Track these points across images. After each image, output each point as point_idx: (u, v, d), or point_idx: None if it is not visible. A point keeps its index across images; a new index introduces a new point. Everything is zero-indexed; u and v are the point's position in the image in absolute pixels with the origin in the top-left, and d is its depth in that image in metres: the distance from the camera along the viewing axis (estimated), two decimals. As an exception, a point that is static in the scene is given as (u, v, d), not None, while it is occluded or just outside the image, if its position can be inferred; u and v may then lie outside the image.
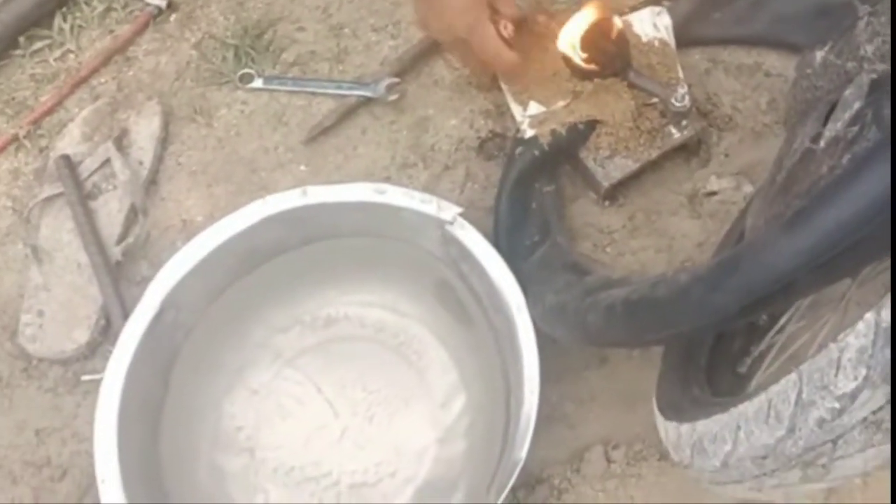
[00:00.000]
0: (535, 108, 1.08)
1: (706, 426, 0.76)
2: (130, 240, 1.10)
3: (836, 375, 0.65)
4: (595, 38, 1.05)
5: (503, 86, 1.11)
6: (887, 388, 0.65)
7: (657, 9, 1.12)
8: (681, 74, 1.08)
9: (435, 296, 1.01)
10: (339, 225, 1.01)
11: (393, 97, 1.17)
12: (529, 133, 1.06)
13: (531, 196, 1.06)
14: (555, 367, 0.95)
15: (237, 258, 1.00)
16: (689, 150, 1.10)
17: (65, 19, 1.30)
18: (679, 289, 0.75)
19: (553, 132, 1.05)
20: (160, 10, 1.29)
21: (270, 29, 1.26)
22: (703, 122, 1.10)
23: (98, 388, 0.95)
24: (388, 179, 1.12)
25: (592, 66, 1.06)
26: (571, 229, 1.07)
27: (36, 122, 1.22)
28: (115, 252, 1.09)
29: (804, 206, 0.69)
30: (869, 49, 0.78)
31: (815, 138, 0.80)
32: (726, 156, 1.11)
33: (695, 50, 1.15)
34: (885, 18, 0.78)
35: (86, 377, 1.04)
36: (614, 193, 1.08)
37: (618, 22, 1.06)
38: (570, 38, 1.07)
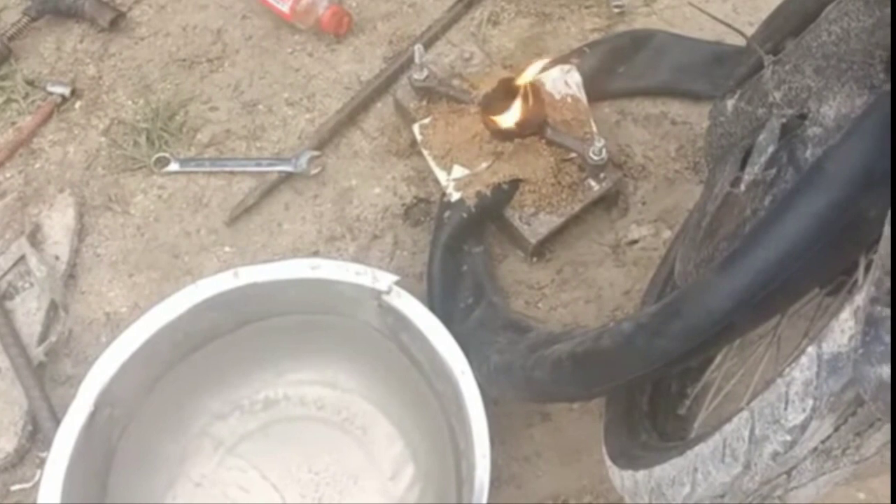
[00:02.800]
0: (458, 171, 1.10)
1: (663, 471, 0.78)
2: (53, 338, 1.06)
3: (785, 409, 0.68)
4: (511, 100, 1.08)
5: (424, 151, 1.13)
6: (834, 417, 0.67)
7: (566, 67, 1.17)
8: (594, 129, 1.12)
9: (375, 368, 1.01)
10: (273, 304, 0.99)
11: (314, 171, 1.17)
12: (455, 196, 1.08)
13: (461, 259, 1.07)
14: (498, 429, 0.95)
15: (170, 347, 0.97)
16: (608, 202, 1.13)
17: (-38, 115, 1.27)
18: (624, 338, 0.77)
19: (478, 194, 1.07)
20: (64, 99, 1.27)
21: (182, 110, 1.26)
22: (619, 172, 1.14)
23: (29, 496, 0.91)
24: (315, 254, 1.12)
25: (511, 127, 1.08)
26: (503, 288, 1.09)
27: (-61, 224, 1.17)
28: (38, 353, 1.05)
29: (736, 248, 0.72)
30: (777, 95, 0.83)
31: (735, 182, 0.84)
32: (643, 204, 1.15)
33: (604, 103, 1.20)
34: (790, 66, 0.83)
35: (15, 487, 0.99)
36: (541, 249, 1.11)
37: (531, 82, 1.10)
38: (489, 101, 1.10)
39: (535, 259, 1.12)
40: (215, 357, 1.00)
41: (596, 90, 1.17)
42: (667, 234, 1.10)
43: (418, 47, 1.14)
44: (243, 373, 1.02)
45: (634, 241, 1.10)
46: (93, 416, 0.91)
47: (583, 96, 1.15)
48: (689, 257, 0.88)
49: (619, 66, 1.21)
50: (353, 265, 0.97)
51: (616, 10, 1.27)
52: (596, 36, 1.26)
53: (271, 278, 0.97)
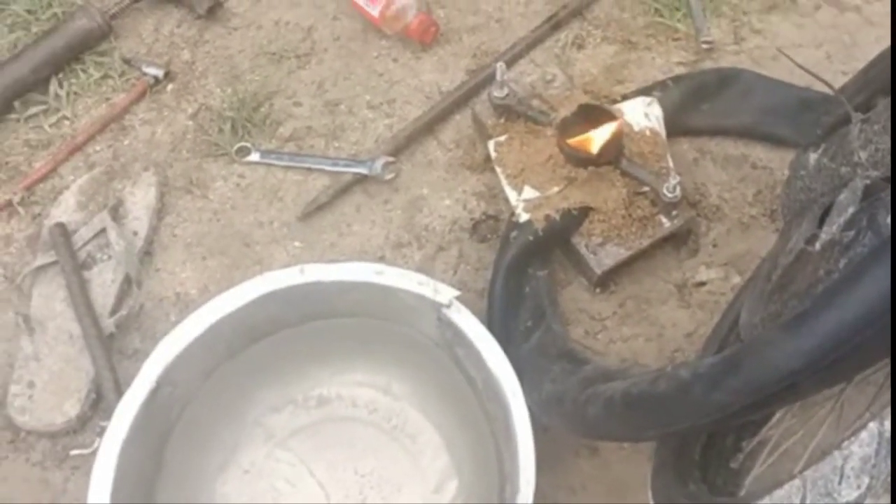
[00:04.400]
0: (529, 192, 1.08)
1: (707, 525, 0.76)
2: (124, 312, 1.08)
3: (839, 483, 0.65)
4: (591, 127, 1.06)
5: (497, 169, 1.12)
6: (888, 498, 0.64)
7: (648, 99, 1.14)
8: (671, 164, 1.09)
9: (429, 379, 1.00)
10: (335, 304, 0.99)
11: (388, 176, 1.17)
12: (524, 217, 1.06)
13: (524, 281, 1.05)
14: (545, 455, 0.93)
15: (233, 335, 0.98)
16: (678, 240, 1.10)
17: (61, 85, 1.29)
18: (680, 385, 0.74)
19: (547, 217, 1.06)
20: (157, 80, 1.28)
21: (267, 102, 1.26)
22: (692, 211, 1.10)
23: (86, 463, 0.92)
24: (381, 259, 1.11)
25: (587, 154, 1.06)
26: (564, 314, 1.07)
27: (29, 188, 1.19)
28: (109, 324, 1.06)
29: (805, 308, 0.69)
30: (863, 155, 0.80)
31: (811, 240, 0.81)
32: (714, 246, 1.11)
33: (684, 140, 1.17)
34: (879, 126, 0.80)
35: (75, 451, 1.01)
36: (606, 280, 1.08)
37: (614, 113, 1.07)
38: (566, 125, 1.08)
39: (598, 289, 1.09)
40: (274, 350, 1.00)
41: (676, 125, 1.15)
42: (736, 279, 1.06)
43: (500, 65, 1.13)
44: (300, 368, 1.01)
45: (702, 284, 1.07)
46: (154, 393, 0.92)
47: (662, 130, 1.12)
48: (755, 309, 0.85)
49: (703, 104, 1.17)
50: (416, 275, 0.96)
51: (704, 46, 1.24)
52: (681, 70, 1.23)
53: (335, 279, 0.96)
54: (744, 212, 1.11)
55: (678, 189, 1.04)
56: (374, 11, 1.28)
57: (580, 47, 1.27)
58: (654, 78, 1.21)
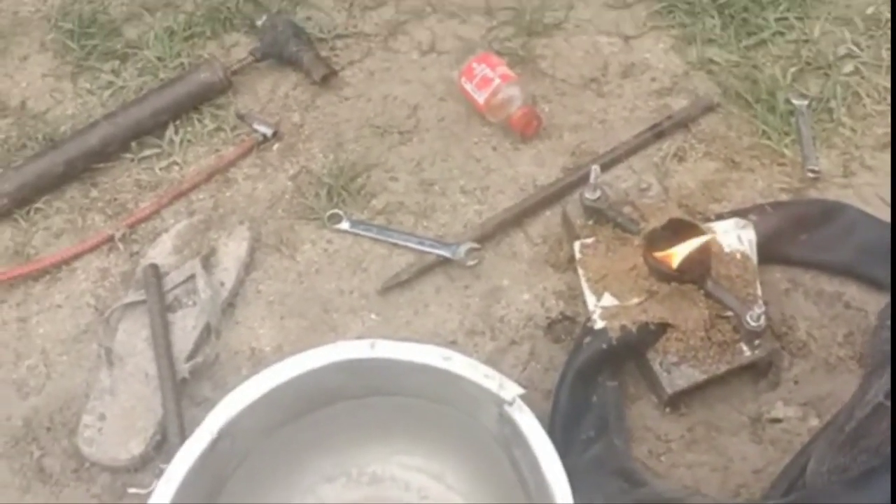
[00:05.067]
0: (608, 299, 1.09)
1: None
2: (199, 359, 1.13)
3: None
4: (680, 243, 1.07)
5: (580, 270, 1.13)
6: None
7: (742, 221, 1.14)
8: (759, 292, 1.09)
9: (483, 473, 1.01)
10: (400, 383, 1.01)
11: (471, 262, 1.20)
12: (600, 324, 1.07)
13: (592, 389, 1.06)
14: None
15: (298, 398, 1.01)
16: (758, 371, 1.09)
17: (176, 132, 1.37)
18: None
19: (623, 328, 1.06)
20: (265, 138, 1.36)
21: (365, 173, 1.31)
22: (777, 343, 1.09)
23: (142, 502, 0.96)
24: (453, 343, 1.14)
25: (672, 269, 1.07)
26: (628, 430, 1.06)
27: (132, 227, 1.27)
28: (183, 368, 1.11)
29: (872, 466, 0.69)
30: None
31: (889, 395, 0.80)
32: (796, 383, 1.09)
33: (776, 268, 1.16)
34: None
35: (132, 490, 1.05)
36: (677, 401, 1.08)
37: (705, 231, 1.08)
38: (654, 236, 1.09)
39: (668, 409, 1.08)
40: (335, 419, 1.02)
41: (770, 252, 1.14)
42: (814, 421, 1.04)
43: (595, 167, 1.16)
44: (357, 442, 1.04)
45: (777, 420, 1.05)
46: (214, 444, 0.95)
47: (754, 255, 1.12)
48: (824, 458, 0.84)
49: (802, 234, 1.16)
50: (484, 367, 0.97)
51: (810, 175, 1.24)
52: (783, 196, 1.23)
53: (404, 358, 0.98)
54: (831, 352, 1.09)
55: (763, 319, 1.04)
56: (480, 98, 1.33)
57: (681, 159, 1.29)
58: (753, 200, 1.22)
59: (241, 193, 1.31)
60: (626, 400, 1.09)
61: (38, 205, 1.30)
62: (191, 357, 1.13)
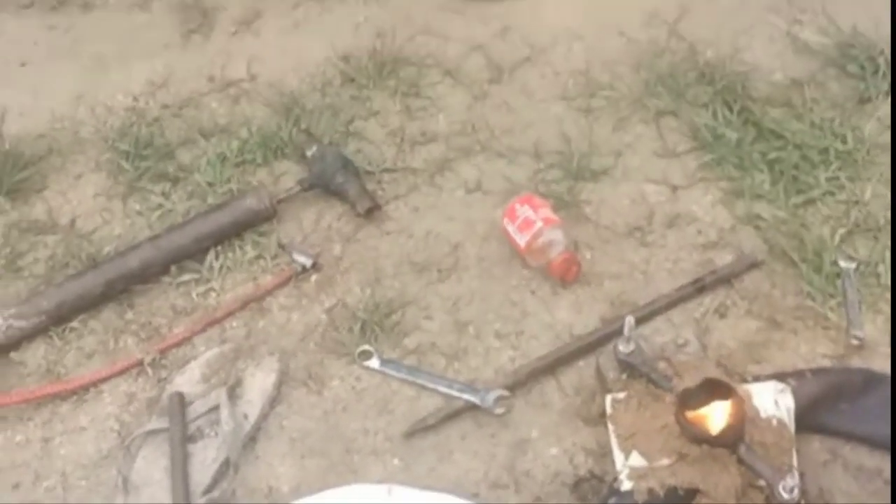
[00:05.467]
0: (637, 459, 1.09)
1: None
2: (216, 493, 1.14)
3: None
4: (714, 404, 1.07)
5: (610, 426, 1.13)
6: None
7: (781, 385, 1.14)
8: (795, 461, 1.08)
9: None
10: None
11: (499, 410, 1.20)
12: (626, 485, 1.07)
13: (616, 553, 1.04)
14: None
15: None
16: (790, 545, 1.06)
17: (217, 257, 1.43)
18: None
19: (651, 491, 1.06)
20: (304, 269, 1.40)
21: (400, 310, 1.35)
22: (811, 519, 1.07)
23: None
24: (476, 496, 1.13)
25: (704, 432, 1.07)
26: None
27: (163, 352, 1.31)
28: (199, 502, 1.12)
29: None
30: None
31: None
32: (827, 558, 1.07)
33: (815, 437, 1.15)
34: None
35: None
36: (703, 572, 1.06)
37: (741, 394, 1.08)
38: (688, 397, 1.09)
39: (693, 578, 1.06)
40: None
41: (809, 420, 1.13)
42: None
43: (629, 319, 1.17)
44: None
45: None
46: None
47: (791, 423, 1.11)
48: None
49: (842, 403, 1.15)
50: (504, 529, 0.97)
51: (854, 342, 1.23)
52: (825, 362, 1.22)
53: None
54: (870, 528, 1.07)
55: (796, 491, 1.02)
56: (522, 241, 1.36)
57: (722, 316, 1.30)
58: (794, 365, 1.21)
59: (275, 324, 1.35)
60: (651, 569, 1.06)
61: (74, 324, 1.36)
62: (207, 491, 1.15)
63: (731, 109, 1.56)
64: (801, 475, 1.05)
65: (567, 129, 1.58)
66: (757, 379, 1.17)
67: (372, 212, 1.47)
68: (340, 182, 1.49)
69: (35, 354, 1.33)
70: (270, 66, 1.74)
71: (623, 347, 1.16)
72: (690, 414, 1.08)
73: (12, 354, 1.33)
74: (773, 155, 1.48)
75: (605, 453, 1.16)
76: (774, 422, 1.11)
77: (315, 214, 1.50)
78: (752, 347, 1.25)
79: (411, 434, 1.20)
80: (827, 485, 1.11)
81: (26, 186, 1.56)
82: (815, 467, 1.12)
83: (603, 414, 1.17)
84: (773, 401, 1.13)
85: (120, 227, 1.50)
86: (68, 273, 1.41)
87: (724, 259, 1.37)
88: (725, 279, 1.33)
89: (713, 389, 1.10)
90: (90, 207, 1.54)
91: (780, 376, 1.17)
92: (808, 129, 1.51)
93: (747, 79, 1.62)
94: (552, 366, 1.25)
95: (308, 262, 1.41)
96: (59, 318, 1.35)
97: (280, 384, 1.26)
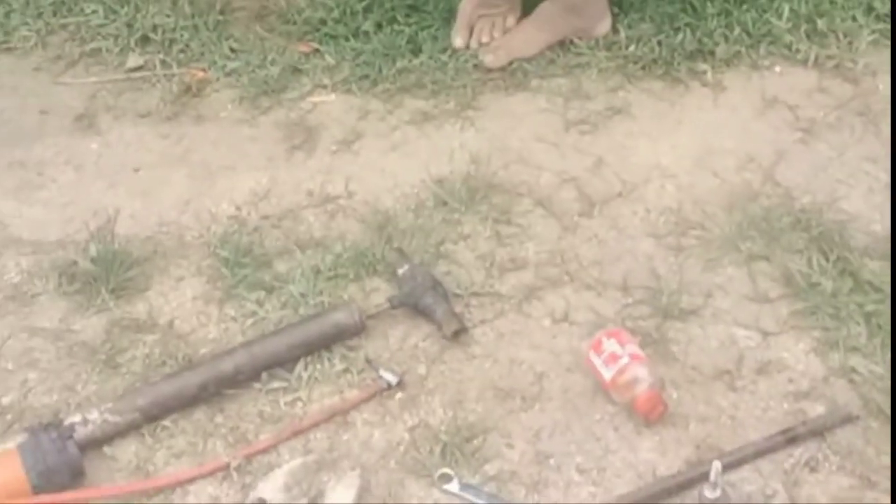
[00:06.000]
0: None
1: None
2: None
3: None
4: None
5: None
6: None
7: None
8: None
9: None
10: None
11: (578, 550, 1.22)
12: None
13: None
14: None
15: None
16: None
17: (306, 368, 1.50)
18: None
19: None
20: (389, 386, 1.46)
21: (482, 436, 1.39)
22: None
23: None
24: None
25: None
26: None
27: (249, 458, 1.37)
28: None
29: None
30: None
31: None
32: None
33: None
34: None
35: None
36: None
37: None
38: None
39: None
40: None
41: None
42: None
43: (716, 464, 1.19)
44: None
45: None
46: None
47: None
48: None
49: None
50: None
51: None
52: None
53: None
54: None
55: None
56: (607, 375, 1.40)
57: (812, 470, 1.30)
58: (886, 533, 1.21)
59: (358, 439, 1.40)
60: None
61: (166, 422, 1.43)
62: None
63: (826, 258, 1.59)
64: None
65: (656, 266, 1.63)
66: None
67: (458, 334, 1.53)
68: (429, 303, 1.55)
69: (126, 451, 1.40)
70: (367, 185, 1.84)
71: (709, 493, 1.18)
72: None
73: (105, 449, 1.40)
74: (870, 307, 1.51)
75: None
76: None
77: (402, 333, 1.56)
78: (843, 506, 1.25)
79: (487, 565, 1.23)
80: None
81: (131, 286, 1.66)
82: None
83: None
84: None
85: (215, 331, 1.59)
86: (164, 372, 1.49)
87: (816, 410, 1.38)
88: (818, 431, 1.34)
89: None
90: (188, 310, 1.63)
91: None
92: (909, 285, 1.53)
93: (845, 228, 1.65)
94: (632, 508, 1.27)
95: (394, 380, 1.46)
96: (153, 417, 1.42)
97: (360, 500, 1.30)
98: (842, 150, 1.83)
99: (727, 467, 1.27)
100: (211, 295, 1.66)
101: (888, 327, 1.47)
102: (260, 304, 1.63)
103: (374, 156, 1.92)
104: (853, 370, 1.42)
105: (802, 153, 1.83)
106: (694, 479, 1.28)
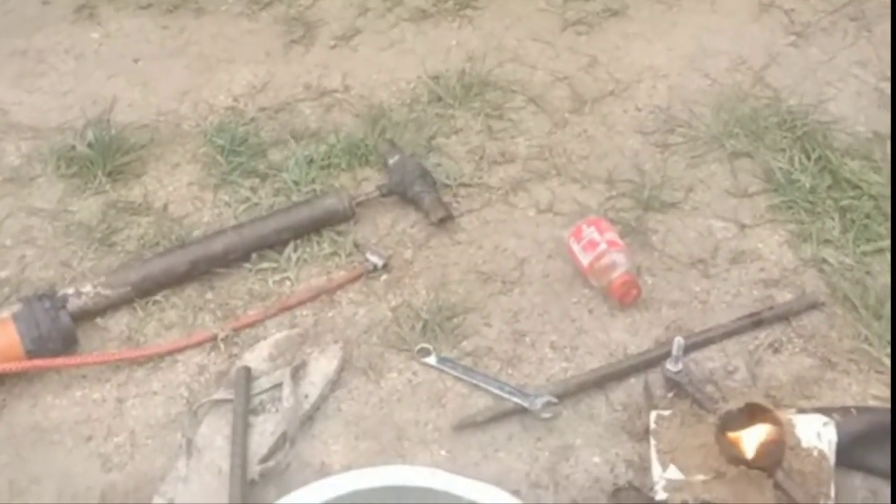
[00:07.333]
0: (674, 472, 1.15)
1: None
2: (271, 463, 1.24)
3: None
4: (751, 426, 1.12)
5: (651, 440, 1.19)
6: None
7: (825, 419, 1.18)
8: (833, 494, 1.12)
9: None
10: (454, 519, 1.09)
11: (546, 415, 1.28)
12: (661, 496, 1.13)
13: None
14: None
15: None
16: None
17: (295, 250, 1.54)
18: None
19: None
20: (375, 268, 1.51)
21: (462, 315, 1.43)
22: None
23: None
24: (516, 493, 1.20)
25: (743, 453, 1.12)
26: None
27: (237, 330, 1.42)
28: (255, 470, 1.23)
29: None
30: None
31: None
32: None
33: (857, 475, 1.19)
34: None
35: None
36: (730, 589, 1.10)
37: (781, 421, 1.13)
38: (729, 418, 1.15)
39: None
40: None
41: (851, 458, 1.17)
42: None
43: (678, 339, 1.24)
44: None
45: None
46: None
47: (831, 456, 1.15)
48: None
49: (887, 444, 1.19)
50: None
51: (906, 387, 1.27)
52: (876, 404, 1.26)
53: (461, 495, 1.07)
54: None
55: (830, 521, 1.06)
56: (585, 260, 1.44)
57: (776, 351, 1.35)
58: (844, 404, 1.25)
59: (342, 316, 1.45)
60: (677, 581, 1.12)
61: (157, 297, 1.48)
62: (264, 461, 1.24)
63: (808, 157, 1.61)
64: (838, 507, 1.09)
65: (642, 161, 1.66)
66: (802, 411, 1.21)
67: (444, 221, 1.56)
68: (417, 191, 1.59)
69: (118, 322, 1.46)
70: (363, 80, 1.87)
71: (671, 366, 1.22)
72: (730, 434, 1.13)
73: (98, 320, 1.45)
74: (845, 202, 1.53)
75: (645, 467, 1.22)
76: (815, 452, 1.15)
77: (391, 220, 1.60)
78: (803, 383, 1.30)
79: (460, 428, 1.28)
80: (865, 522, 1.15)
81: (127, 170, 1.70)
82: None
83: (647, 430, 1.23)
84: (815, 433, 1.17)
85: (209, 215, 1.63)
86: (157, 251, 1.54)
87: (784, 298, 1.42)
88: (783, 316, 1.38)
89: (755, 414, 1.15)
90: (183, 195, 1.67)
91: (825, 410, 1.21)
92: (886, 182, 1.56)
93: (829, 129, 1.67)
94: (602, 380, 1.32)
95: (380, 262, 1.51)
96: (144, 291, 1.47)
97: (341, 370, 1.36)
98: (833, 53, 1.84)
99: (694, 347, 1.32)
100: (206, 181, 1.70)
101: (861, 222, 1.51)
102: (253, 190, 1.67)
103: (371, 52, 1.94)
104: (824, 261, 1.46)
105: (794, 56, 1.84)
106: (661, 356, 1.32)
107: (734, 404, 1.17)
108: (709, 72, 1.82)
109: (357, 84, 1.86)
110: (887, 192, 1.54)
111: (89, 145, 1.71)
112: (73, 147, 1.72)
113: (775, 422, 1.13)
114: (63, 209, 1.65)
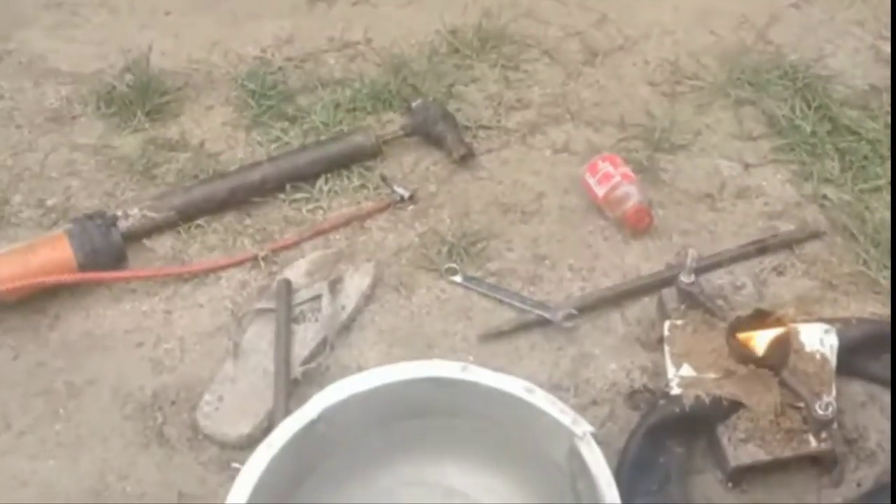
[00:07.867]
0: (687, 370, 1.23)
1: None
2: (313, 365, 1.33)
3: None
4: (760, 330, 1.21)
5: (665, 346, 1.28)
6: None
7: (826, 326, 1.27)
8: (833, 392, 1.21)
9: (548, 501, 1.14)
10: (482, 408, 1.17)
11: (568, 325, 1.36)
12: (676, 391, 1.21)
13: (660, 450, 1.19)
14: None
15: (392, 404, 1.18)
16: (822, 465, 1.20)
17: (326, 182, 1.62)
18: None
19: (697, 397, 1.20)
20: (402, 199, 1.59)
21: (485, 241, 1.52)
22: (845, 447, 1.20)
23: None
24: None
25: (752, 353, 1.21)
26: (689, 497, 1.18)
27: (275, 251, 1.51)
28: (297, 371, 1.31)
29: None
30: None
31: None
32: (858, 485, 1.19)
33: (856, 381, 1.28)
34: None
35: (235, 465, 1.22)
36: (739, 477, 1.19)
37: (788, 324, 1.22)
38: (739, 322, 1.24)
39: (730, 484, 1.20)
40: (422, 431, 1.19)
41: (849, 365, 1.26)
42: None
43: (692, 251, 1.33)
44: (439, 455, 1.19)
45: (835, 516, 1.15)
46: (312, 424, 1.13)
47: (833, 360, 1.24)
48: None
49: (884, 353, 1.28)
50: (561, 404, 1.12)
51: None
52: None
53: (491, 384, 1.15)
54: (899, 466, 1.19)
55: (832, 409, 1.15)
56: (600, 192, 1.53)
57: (780, 274, 1.44)
58: (845, 317, 1.35)
59: (373, 240, 1.54)
60: (691, 470, 1.20)
61: (200, 222, 1.56)
62: (305, 362, 1.33)
63: (809, 106, 1.70)
64: (841, 412, 1.18)
65: (651, 108, 1.74)
66: (805, 320, 1.30)
67: (466, 158, 1.65)
68: (440, 130, 1.67)
69: (164, 244, 1.54)
70: (384, 33, 1.94)
71: (685, 278, 1.31)
72: (740, 335, 1.22)
73: (145, 241, 1.53)
74: (844, 145, 1.63)
75: (659, 373, 1.31)
76: (818, 356, 1.24)
77: (414, 158, 1.68)
78: (805, 301, 1.39)
79: (486, 338, 1.37)
80: (863, 422, 1.25)
81: (165, 110, 1.78)
82: (853, 407, 1.26)
83: (661, 341, 1.31)
84: (818, 338, 1.26)
85: (242, 152, 1.71)
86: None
87: (787, 229, 1.51)
88: (787, 244, 1.48)
89: (763, 319, 1.24)
90: (217, 134, 1.75)
91: (827, 320, 1.30)
92: (882, 129, 1.65)
93: (828, 81, 1.76)
94: (618, 297, 1.41)
95: (406, 194, 1.59)
96: (187, 216, 1.55)
97: (374, 286, 1.44)
98: (833, 13, 1.92)
99: (703, 270, 1.41)
100: (238, 122, 1.77)
101: (860, 164, 1.60)
102: (284, 131, 1.74)
103: (391, 9, 2.01)
104: (824, 197, 1.55)
105: (795, 16, 1.93)
106: (674, 276, 1.40)
107: (743, 312, 1.26)
108: (714, 28, 1.90)
109: (378, 37, 1.94)
110: (884, 137, 1.63)
111: (128, 86, 1.79)
112: (113, 88, 1.79)
113: (782, 324, 1.22)
114: (104, 145, 1.72)
